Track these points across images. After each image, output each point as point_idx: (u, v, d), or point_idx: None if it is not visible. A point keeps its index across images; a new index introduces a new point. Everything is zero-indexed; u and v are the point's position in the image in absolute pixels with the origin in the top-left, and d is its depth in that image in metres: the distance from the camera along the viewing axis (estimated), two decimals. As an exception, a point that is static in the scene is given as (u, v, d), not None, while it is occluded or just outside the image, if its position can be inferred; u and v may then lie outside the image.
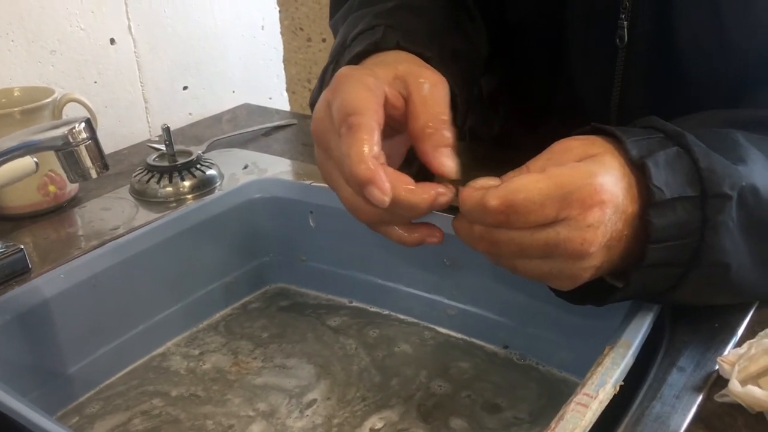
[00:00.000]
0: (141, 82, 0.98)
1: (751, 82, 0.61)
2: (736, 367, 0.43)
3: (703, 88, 0.64)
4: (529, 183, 0.41)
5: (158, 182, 0.77)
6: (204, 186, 0.79)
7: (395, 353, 0.67)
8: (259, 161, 0.86)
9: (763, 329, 0.48)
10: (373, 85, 0.45)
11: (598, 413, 0.42)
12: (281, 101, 1.23)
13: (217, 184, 0.80)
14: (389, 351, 0.68)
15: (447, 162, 0.44)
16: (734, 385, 0.42)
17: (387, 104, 0.46)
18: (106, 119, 0.96)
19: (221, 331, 0.71)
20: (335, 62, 0.57)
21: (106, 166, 0.49)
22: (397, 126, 0.47)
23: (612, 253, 0.44)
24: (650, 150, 0.45)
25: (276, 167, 0.85)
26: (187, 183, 0.78)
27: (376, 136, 0.43)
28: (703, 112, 0.57)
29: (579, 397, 0.43)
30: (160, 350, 0.69)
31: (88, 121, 0.47)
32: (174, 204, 0.77)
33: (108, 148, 0.68)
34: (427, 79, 0.47)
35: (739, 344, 0.49)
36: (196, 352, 0.68)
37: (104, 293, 0.64)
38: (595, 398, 0.43)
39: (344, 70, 0.47)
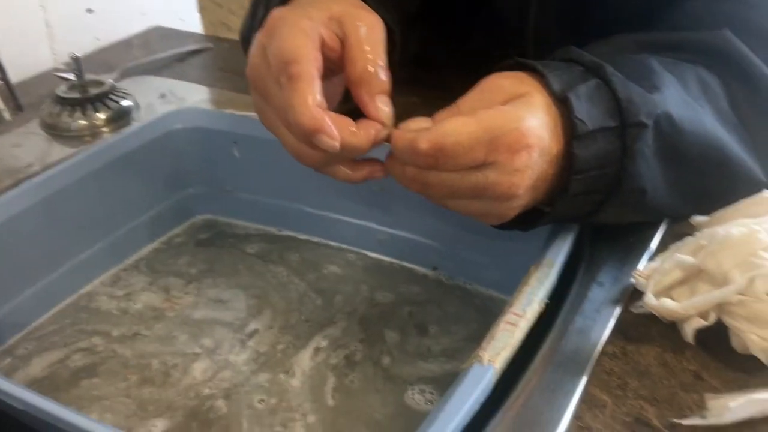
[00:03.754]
0: (41, 6, 0.92)
1: (662, 3, 0.62)
2: (651, 281, 0.46)
3: (614, 7, 0.66)
4: (459, 127, 0.42)
5: (70, 115, 0.74)
6: (120, 118, 0.76)
7: (326, 275, 0.69)
8: (176, 89, 0.84)
9: (674, 243, 0.52)
10: (309, 28, 0.44)
11: (526, 331, 0.45)
12: (194, 22, 1.18)
13: (134, 115, 0.78)
14: (320, 274, 0.69)
15: (384, 108, 0.45)
16: (649, 298, 0.46)
17: (323, 46, 0.45)
18: (6, 48, 0.90)
19: (144, 270, 0.70)
20: None
21: (20, 107, 0.47)
22: (334, 67, 0.47)
23: (537, 192, 0.46)
24: (571, 83, 0.46)
25: (194, 95, 0.82)
26: (101, 115, 0.75)
27: (317, 84, 0.43)
28: (617, 36, 0.58)
29: (508, 317, 0.45)
30: (87, 289, 0.68)
31: (-4, 61, 0.45)
32: (89, 138, 0.74)
33: (11, 78, 0.64)
34: (364, 22, 0.46)
35: (652, 258, 0.53)
36: (121, 293, 0.67)
37: (24, 234, 0.62)
38: (522, 317, 0.45)
39: (278, 13, 0.46)
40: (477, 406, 0.40)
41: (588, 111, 0.46)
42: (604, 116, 0.46)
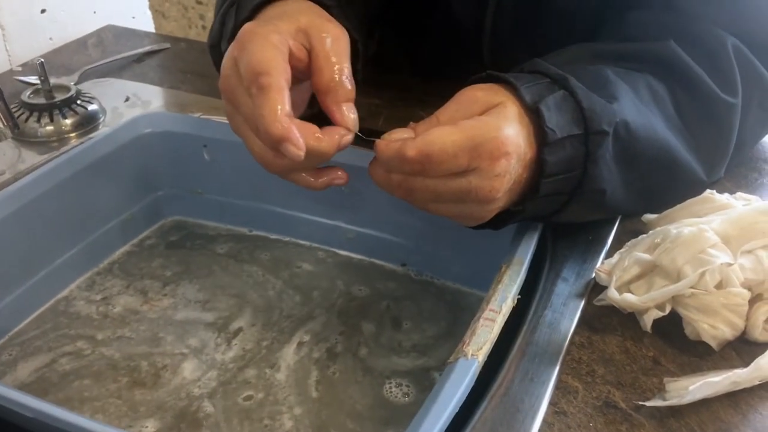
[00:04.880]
0: (-5, 8, 0.91)
1: (609, 14, 0.67)
2: (614, 277, 0.51)
3: (566, 15, 0.70)
4: (444, 135, 0.46)
5: (38, 121, 0.74)
6: (87, 123, 0.77)
7: (299, 273, 0.72)
8: (140, 92, 0.84)
9: (629, 239, 0.57)
10: (278, 42, 0.47)
11: (502, 325, 0.49)
12: (145, 20, 1.17)
13: (101, 120, 0.78)
14: (293, 271, 0.72)
15: (349, 115, 0.48)
16: (612, 292, 0.50)
17: (291, 57, 0.48)
18: (-40, 49, 0.89)
19: (118, 274, 0.72)
20: (236, 6, 0.57)
21: (17, 125, 0.48)
22: (301, 75, 0.50)
23: (512, 194, 0.50)
24: (541, 95, 0.50)
25: (159, 98, 0.84)
26: (68, 121, 0.76)
27: (286, 94, 0.46)
28: (572, 47, 0.63)
29: (486, 313, 0.49)
30: (64, 294, 0.69)
31: (-5, 81, 0.46)
32: (56, 143, 0.74)
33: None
34: (329, 33, 0.49)
35: (609, 253, 0.57)
36: (98, 297, 0.68)
37: (3, 243, 0.62)
38: (499, 313, 0.49)
39: (249, 27, 0.48)
40: (465, 396, 0.43)
41: (557, 120, 0.50)
42: (570, 125, 0.51)
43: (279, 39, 0.48)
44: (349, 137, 0.49)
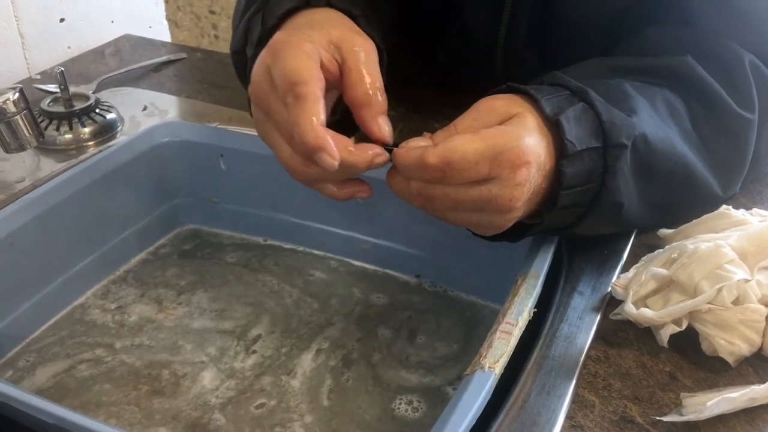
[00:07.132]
0: (15, 16, 0.92)
1: (624, 28, 0.67)
2: (631, 292, 0.51)
3: (580, 29, 0.71)
4: (465, 143, 0.46)
5: (57, 129, 0.75)
6: (105, 132, 0.78)
7: (313, 281, 0.72)
8: (158, 102, 0.85)
9: (645, 254, 0.57)
10: (311, 51, 0.48)
11: (518, 338, 0.49)
12: (162, 30, 1.18)
13: (119, 128, 0.79)
14: (307, 279, 0.72)
15: (385, 128, 0.49)
16: (629, 307, 0.50)
17: (322, 68, 0.49)
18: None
19: (132, 282, 0.72)
20: (262, 13, 0.58)
21: (42, 134, 0.48)
22: (328, 86, 0.50)
23: (531, 204, 0.50)
24: (561, 107, 0.50)
25: (176, 108, 0.84)
26: (87, 129, 0.76)
27: (321, 104, 0.46)
28: (589, 61, 0.63)
29: (502, 326, 0.49)
30: (79, 301, 0.69)
31: (21, 91, 0.46)
32: (74, 151, 0.75)
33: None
34: (361, 47, 0.50)
35: (625, 268, 0.57)
36: (113, 306, 0.69)
37: (22, 249, 0.63)
38: (515, 326, 0.49)
39: (282, 36, 0.49)
40: (482, 409, 0.44)
41: (576, 133, 0.50)
42: (589, 137, 0.51)
43: (312, 48, 0.49)
44: (384, 157, 0.49)
